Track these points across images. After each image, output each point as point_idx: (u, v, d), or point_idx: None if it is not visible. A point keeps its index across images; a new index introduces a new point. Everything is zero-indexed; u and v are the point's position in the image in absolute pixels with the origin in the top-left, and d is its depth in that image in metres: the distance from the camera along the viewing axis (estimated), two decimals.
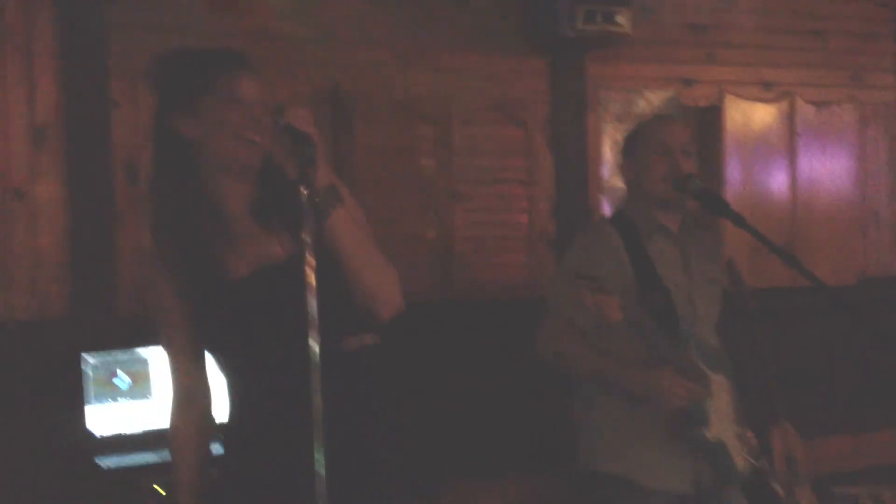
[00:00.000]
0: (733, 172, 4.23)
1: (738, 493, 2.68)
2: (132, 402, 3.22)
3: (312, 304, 1.64)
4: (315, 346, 1.63)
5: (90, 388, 3.17)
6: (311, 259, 1.65)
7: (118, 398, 3.22)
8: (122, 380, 3.23)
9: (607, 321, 2.33)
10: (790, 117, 4.35)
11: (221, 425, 2.01)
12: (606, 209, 4.06)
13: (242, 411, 1.94)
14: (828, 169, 4.44)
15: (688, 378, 2.45)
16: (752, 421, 2.76)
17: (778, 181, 4.34)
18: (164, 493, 2.86)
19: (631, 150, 2.73)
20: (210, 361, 2.01)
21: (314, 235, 1.68)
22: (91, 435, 3.14)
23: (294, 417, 1.81)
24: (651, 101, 4.20)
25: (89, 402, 3.16)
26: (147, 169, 1.96)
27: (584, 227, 2.83)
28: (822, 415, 4.34)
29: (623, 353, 2.51)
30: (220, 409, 2.02)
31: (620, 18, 3.80)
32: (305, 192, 1.69)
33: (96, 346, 3.21)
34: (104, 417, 3.19)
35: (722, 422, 2.55)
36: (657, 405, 2.47)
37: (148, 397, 3.25)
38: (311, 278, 1.65)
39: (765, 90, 4.40)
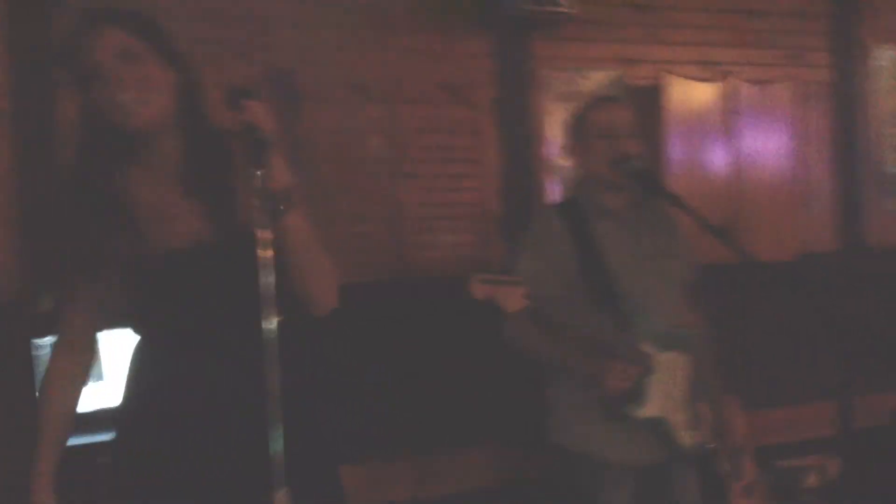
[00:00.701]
0: (675, 151, 4.30)
1: (689, 468, 2.76)
2: (96, 382, 3.21)
3: (268, 279, 1.63)
4: (270, 324, 1.63)
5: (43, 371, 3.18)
6: (263, 236, 1.64)
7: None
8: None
9: (505, 312, 2.39)
10: (729, 96, 4.43)
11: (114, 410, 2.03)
12: (552, 188, 4.13)
13: (160, 389, 1.90)
14: (767, 146, 4.53)
15: (625, 359, 2.52)
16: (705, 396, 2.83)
17: (718, 159, 4.43)
18: None
19: (575, 133, 2.77)
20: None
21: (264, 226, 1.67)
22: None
23: (216, 395, 1.84)
24: (596, 80, 4.27)
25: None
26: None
27: (531, 219, 2.86)
28: (767, 387, 4.46)
29: (572, 338, 2.58)
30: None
31: None
32: (259, 180, 1.65)
33: (47, 331, 3.18)
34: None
35: (666, 399, 2.62)
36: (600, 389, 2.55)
37: (101, 378, 3.25)
38: (266, 254, 1.64)
39: (705, 69, 4.49)
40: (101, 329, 2.03)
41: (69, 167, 1.90)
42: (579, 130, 2.74)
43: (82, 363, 2.03)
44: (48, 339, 3.20)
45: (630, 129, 2.68)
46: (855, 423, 4.33)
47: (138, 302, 1.91)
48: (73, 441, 2.96)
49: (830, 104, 4.84)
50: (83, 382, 2.04)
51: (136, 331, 1.98)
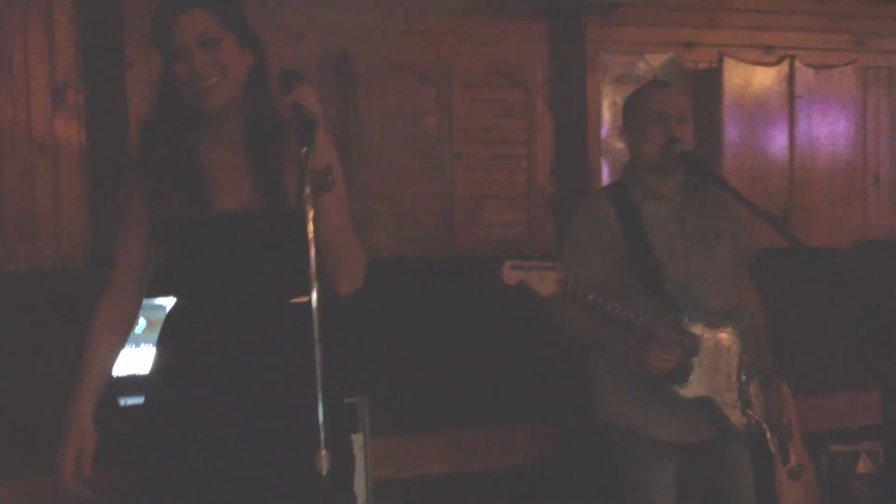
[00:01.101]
0: (732, 135, 4.29)
1: (741, 446, 2.81)
2: (150, 346, 3.39)
3: (312, 254, 1.71)
4: (314, 296, 1.71)
5: None
6: (307, 212, 1.72)
7: (139, 343, 3.43)
8: (141, 326, 3.42)
9: (538, 296, 2.44)
10: (789, 80, 4.39)
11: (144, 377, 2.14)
12: (605, 169, 4.18)
13: (191, 352, 2.02)
14: (827, 132, 4.48)
15: (668, 341, 2.58)
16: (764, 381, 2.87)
17: (776, 144, 4.39)
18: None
19: (629, 117, 2.81)
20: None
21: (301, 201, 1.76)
22: (112, 377, 3.35)
23: (245, 361, 1.95)
24: (651, 63, 4.28)
25: None
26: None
27: (580, 203, 2.91)
28: (821, 373, 4.45)
29: (613, 321, 2.62)
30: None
31: None
32: (304, 159, 1.75)
33: None
34: (125, 360, 3.38)
35: (713, 378, 2.67)
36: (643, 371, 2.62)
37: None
38: (310, 230, 1.72)
39: (765, 53, 4.46)
40: (145, 285, 2.16)
41: (145, 124, 2.05)
42: (632, 114, 2.79)
43: (129, 308, 2.16)
44: None
45: (682, 114, 2.71)
46: None
47: (181, 259, 2.03)
48: (134, 400, 3.19)
49: None
50: (129, 328, 2.18)
51: (173, 292, 2.11)
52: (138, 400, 3.11)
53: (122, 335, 2.15)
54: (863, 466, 4.37)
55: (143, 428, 2.09)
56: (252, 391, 1.96)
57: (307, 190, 1.73)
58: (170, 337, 2.09)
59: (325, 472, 1.68)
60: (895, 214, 4.79)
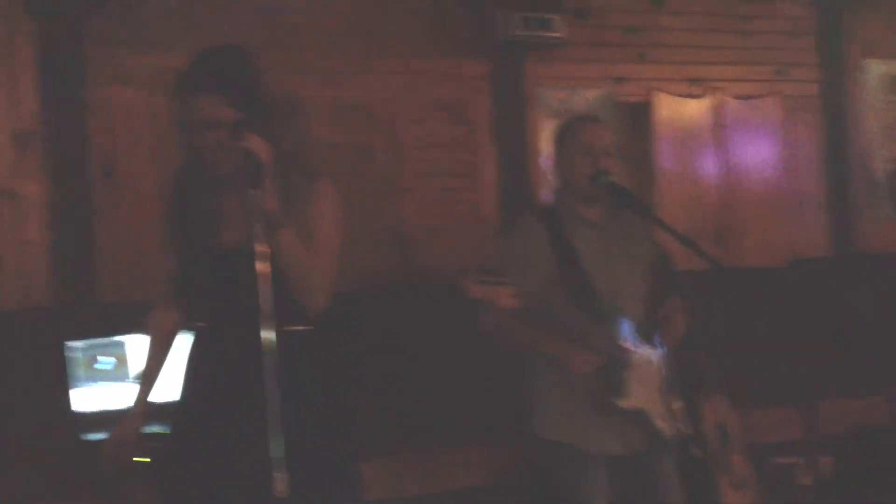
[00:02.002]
0: (665, 163, 4.54)
1: (668, 457, 2.94)
2: (113, 383, 3.49)
3: (265, 291, 1.94)
4: (269, 332, 1.93)
5: (75, 372, 3.45)
6: (261, 250, 1.94)
7: (100, 381, 3.49)
8: (104, 363, 3.50)
9: (498, 309, 2.56)
10: (717, 111, 4.66)
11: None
12: (545, 198, 4.36)
13: (201, 384, 2.24)
14: (754, 158, 4.74)
15: (602, 351, 2.75)
16: (685, 393, 3.02)
17: (707, 171, 4.65)
18: (146, 461, 3.16)
19: (558, 147, 2.99)
20: None
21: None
22: (76, 414, 3.42)
23: (243, 392, 2.10)
24: (586, 97, 4.51)
25: (75, 385, 3.45)
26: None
27: (509, 225, 3.09)
28: (766, 387, 4.60)
29: (547, 329, 2.80)
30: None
31: (555, 24, 4.13)
32: (255, 200, 2.00)
33: (79, 334, 3.49)
34: (89, 398, 3.47)
35: (645, 391, 2.83)
36: (570, 371, 2.77)
37: (127, 379, 3.50)
38: (262, 268, 1.94)
39: (693, 86, 4.72)
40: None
41: (176, 178, 2.31)
42: (562, 145, 2.97)
43: (174, 316, 2.39)
44: (80, 343, 3.49)
45: (608, 149, 2.90)
46: (849, 424, 4.45)
47: (190, 292, 2.26)
48: (96, 436, 3.26)
49: (819, 117, 5.03)
50: (176, 332, 2.41)
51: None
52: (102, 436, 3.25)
53: (170, 339, 2.41)
54: (806, 478, 4.51)
55: (171, 457, 2.29)
56: (246, 415, 2.11)
57: (258, 228, 1.94)
58: (187, 372, 2.30)
59: (284, 495, 1.87)
60: (822, 234, 5.04)
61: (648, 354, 2.87)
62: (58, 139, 3.64)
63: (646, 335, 2.89)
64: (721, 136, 4.68)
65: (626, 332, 2.83)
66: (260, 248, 1.96)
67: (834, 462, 4.48)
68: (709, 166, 4.66)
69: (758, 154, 4.77)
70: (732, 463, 3.99)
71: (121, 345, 3.52)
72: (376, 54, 4.15)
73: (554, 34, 4.16)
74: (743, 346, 4.62)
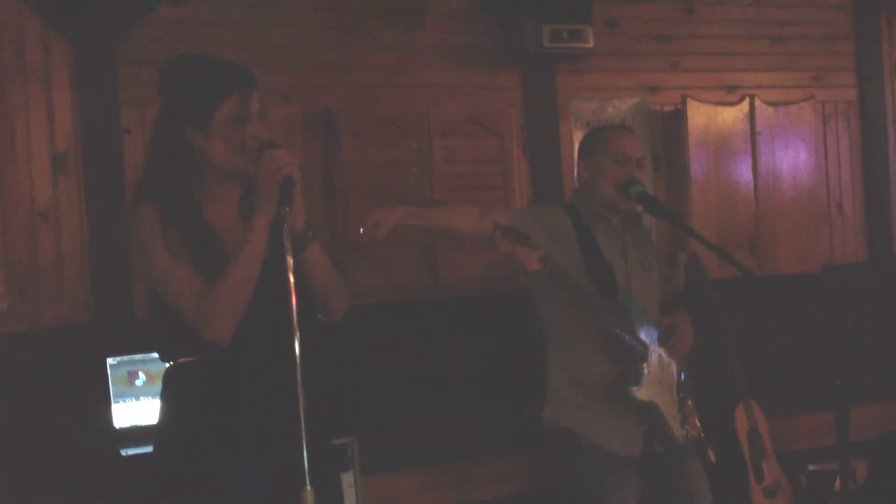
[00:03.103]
0: (698, 171, 4.52)
1: (696, 463, 2.95)
2: (150, 399, 3.54)
3: (293, 304, 1.89)
4: (296, 342, 1.88)
5: (113, 388, 3.52)
6: (290, 261, 1.91)
7: (140, 396, 3.56)
8: (142, 379, 3.57)
9: (524, 268, 2.58)
10: (750, 118, 4.62)
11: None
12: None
13: (208, 394, 2.13)
14: (789, 165, 4.71)
15: (628, 338, 2.76)
16: (715, 399, 3.05)
17: (741, 178, 4.62)
18: None
19: (587, 152, 2.99)
20: None
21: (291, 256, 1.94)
22: (118, 430, 3.50)
23: (269, 406, 2.08)
24: (619, 108, 4.51)
25: (116, 402, 3.51)
26: (145, 164, 2.16)
27: (539, 203, 3.07)
28: (799, 393, 4.57)
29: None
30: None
31: (585, 35, 4.12)
32: (285, 217, 1.95)
33: (119, 351, 3.56)
34: (129, 413, 3.54)
35: (658, 389, 2.84)
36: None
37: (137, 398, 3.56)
38: (291, 282, 1.90)
39: (727, 93, 4.70)
40: None
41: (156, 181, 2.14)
42: (595, 150, 2.96)
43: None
44: (120, 359, 3.55)
45: (641, 160, 2.92)
46: (883, 428, 4.41)
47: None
48: (135, 451, 3.32)
49: (855, 121, 4.99)
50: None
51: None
52: (141, 450, 3.30)
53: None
54: (838, 483, 4.49)
55: (160, 474, 2.20)
56: (273, 430, 2.10)
57: (288, 245, 1.91)
58: (179, 384, 2.20)
59: None
60: (859, 240, 5.00)
61: (663, 355, 2.89)
62: (94, 160, 3.72)
63: (661, 337, 2.90)
64: (755, 143, 4.65)
65: (646, 329, 2.85)
66: (290, 261, 1.92)
67: (868, 467, 4.46)
68: (743, 174, 4.63)
69: (793, 161, 4.73)
70: (765, 469, 3.98)
71: (158, 361, 3.56)
72: (407, 69, 4.18)
73: (585, 45, 4.15)
74: (776, 353, 4.59)
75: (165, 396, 2.20)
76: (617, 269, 2.89)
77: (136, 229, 2.09)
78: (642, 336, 2.83)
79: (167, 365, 2.20)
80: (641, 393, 2.81)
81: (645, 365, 2.82)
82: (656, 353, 2.87)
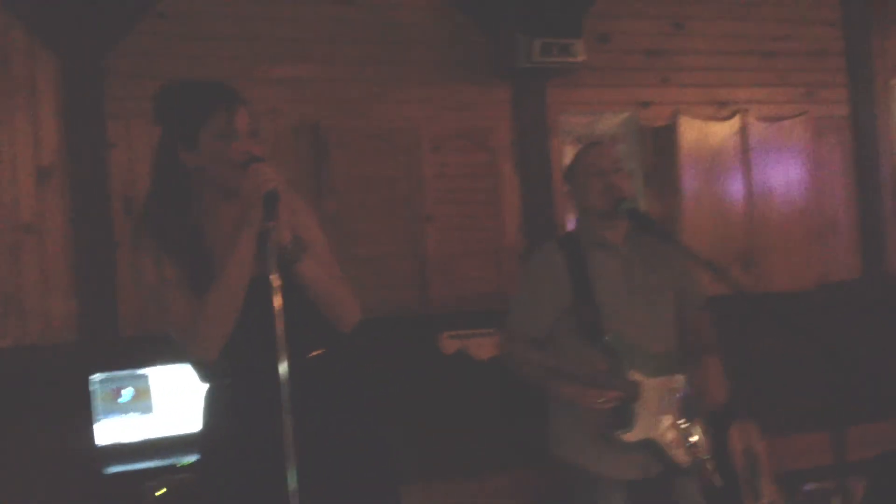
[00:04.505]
0: (690, 187, 4.49)
1: (689, 481, 2.92)
2: (137, 415, 3.51)
3: (279, 323, 1.90)
4: (282, 363, 1.90)
5: (98, 405, 3.48)
6: (275, 280, 1.90)
7: (124, 413, 3.52)
8: (128, 396, 3.53)
9: (477, 361, 2.62)
10: (742, 133, 4.61)
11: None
12: (570, 224, 4.34)
13: (222, 413, 2.19)
14: (782, 181, 4.69)
15: (609, 385, 2.75)
16: (712, 420, 3.00)
17: (734, 194, 4.59)
18: (163, 492, 3.17)
19: (571, 176, 3.03)
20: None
21: (282, 271, 1.94)
22: (99, 448, 3.45)
23: (268, 419, 2.06)
24: (610, 123, 4.49)
25: (97, 419, 3.47)
26: (146, 191, 2.17)
27: (533, 251, 3.11)
28: (794, 413, 4.56)
29: (553, 369, 2.82)
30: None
31: (574, 49, 4.10)
32: (270, 231, 1.96)
33: (102, 367, 3.52)
34: (112, 431, 3.49)
35: (653, 423, 2.81)
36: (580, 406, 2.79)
37: (150, 411, 3.54)
38: (277, 301, 1.90)
39: (719, 109, 4.68)
40: None
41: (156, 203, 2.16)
42: (574, 173, 3.01)
43: None
44: (103, 376, 3.50)
45: (616, 165, 2.93)
46: (879, 448, 4.38)
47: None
48: (124, 468, 3.29)
49: (848, 137, 4.98)
50: None
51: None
52: (124, 468, 3.27)
53: None
54: (835, 503, 4.46)
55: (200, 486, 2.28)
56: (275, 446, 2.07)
57: (272, 261, 1.90)
58: (212, 404, 2.24)
59: None
60: (853, 256, 4.98)
61: (661, 384, 2.84)
62: (79, 174, 3.68)
63: (661, 364, 2.86)
64: (748, 158, 4.63)
65: (638, 363, 2.81)
66: (275, 279, 1.92)
67: (865, 486, 4.43)
68: (735, 189, 4.61)
69: (785, 176, 4.72)
70: (762, 489, 3.95)
71: (144, 378, 3.54)
72: (396, 83, 4.16)
73: (575, 59, 4.13)
74: (770, 371, 4.54)
75: (203, 412, 2.25)
76: (615, 302, 2.87)
77: (136, 252, 2.14)
78: (633, 375, 2.80)
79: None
80: (632, 435, 2.80)
81: (637, 405, 2.79)
82: (654, 385, 2.83)
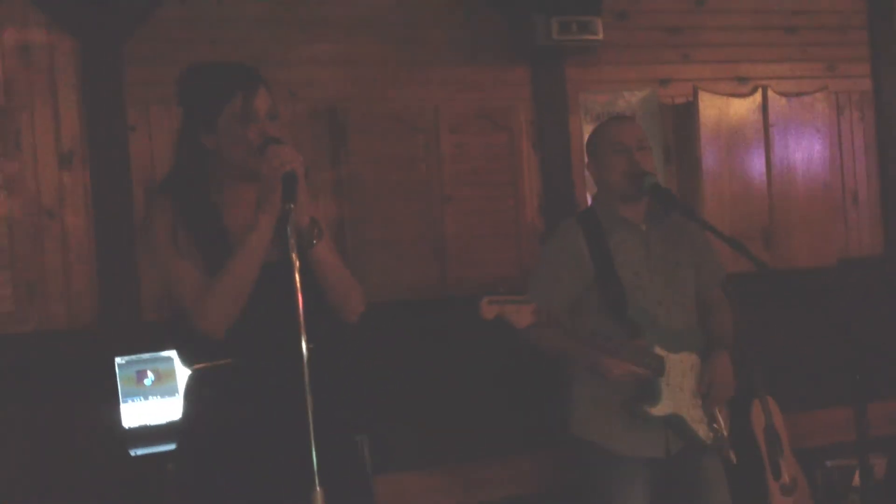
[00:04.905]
0: (710, 163, 4.46)
1: (712, 459, 2.92)
2: (160, 399, 3.56)
3: (299, 302, 1.88)
4: (303, 342, 1.87)
5: (122, 388, 3.52)
6: (295, 261, 1.89)
7: (147, 396, 3.56)
8: (151, 379, 3.57)
9: (514, 328, 2.55)
10: (763, 109, 4.56)
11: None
12: (590, 203, 4.33)
13: (225, 398, 2.14)
14: (803, 156, 4.64)
15: (635, 361, 2.73)
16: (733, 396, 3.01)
17: (754, 170, 4.56)
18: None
19: (591, 151, 3.00)
20: None
21: (297, 254, 1.92)
22: (126, 430, 3.50)
23: (276, 405, 2.08)
24: (629, 100, 4.47)
25: (124, 401, 3.51)
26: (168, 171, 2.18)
27: (552, 230, 3.09)
28: (816, 389, 4.55)
29: (580, 341, 2.78)
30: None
31: (595, 27, 4.07)
32: (290, 214, 1.93)
33: (125, 351, 3.55)
34: (138, 413, 3.53)
35: (680, 397, 2.81)
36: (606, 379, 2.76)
37: (175, 394, 3.56)
38: (297, 280, 1.88)
39: (739, 84, 4.64)
40: None
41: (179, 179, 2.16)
42: (595, 148, 2.98)
43: None
44: (127, 359, 3.54)
45: (641, 143, 2.90)
46: None
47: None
48: (144, 451, 3.32)
49: (869, 112, 4.93)
50: None
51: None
52: (150, 450, 3.30)
53: None
54: (858, 480, 4.46)
55: (182, 474, 2.24)
56: (280, 428, 2.09)
57: (293, 242, 1.90)
58: (198, 389, 2.21)
59: None
60: (874, 232, 4.94)
61: (684, 360, 2.84)
62: (100, 159, 3.69)
63: (683, 340, 2.86)
64: (768, 134, 4.59)
65: (660, 339, 2.81)
66: (295, 258, 1.91)
67: (886, 463, 4.42)
68: (756, 166, 4.57)
69: (806, 152, 4.67)
70: (782, 466, 3.95)
71: (168, 360, 3.57)
72: (414, 64, 4.14)
73: (594, 37, 4.10)
74: (791, 348, 4.53)
75: (187, 399, 2.24)
76: (635, 279, 2.86)
77: (150, 219, 2.15)
78: (657, 350, 2.79)
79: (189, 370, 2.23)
80: (660, 409, 2.79)
81: (662, 380, 2.79)
82: (677, 361, 2.83)
